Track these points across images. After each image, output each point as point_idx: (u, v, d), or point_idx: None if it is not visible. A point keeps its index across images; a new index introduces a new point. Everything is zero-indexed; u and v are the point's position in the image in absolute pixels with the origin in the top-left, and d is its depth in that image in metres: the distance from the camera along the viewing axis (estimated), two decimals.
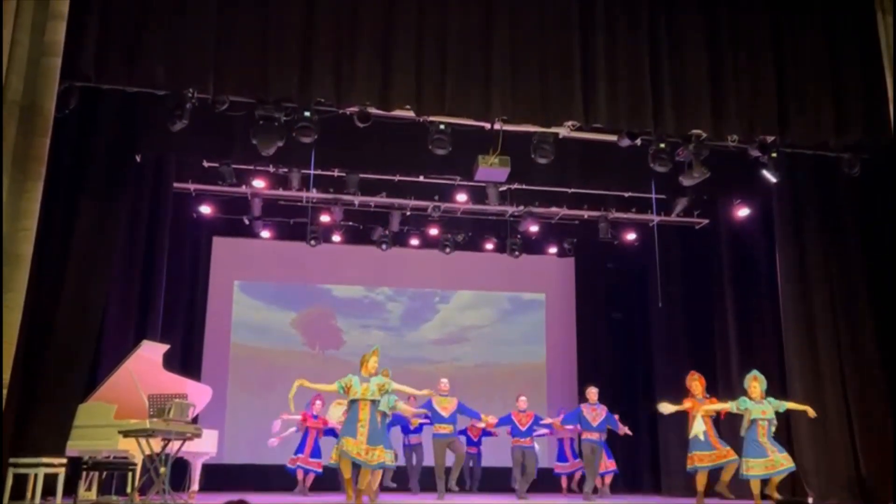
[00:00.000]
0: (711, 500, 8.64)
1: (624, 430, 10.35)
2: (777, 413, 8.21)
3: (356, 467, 7.41)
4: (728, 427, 8.92)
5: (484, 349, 13.53)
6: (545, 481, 11.31)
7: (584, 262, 13.92)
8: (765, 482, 8.14)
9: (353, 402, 7.49)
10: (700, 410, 8.49)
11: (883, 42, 8.40)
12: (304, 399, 10.17)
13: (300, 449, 10.20)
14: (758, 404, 8.17)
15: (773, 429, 8.16)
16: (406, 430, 10.49)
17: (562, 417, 10.14)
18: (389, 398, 8.10)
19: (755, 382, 8.27)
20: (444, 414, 9.44)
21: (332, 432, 9.95)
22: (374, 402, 7.50)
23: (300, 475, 10.17)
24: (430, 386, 9.46)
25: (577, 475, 11.25)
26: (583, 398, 12.21)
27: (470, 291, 13.75)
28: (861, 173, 8.90)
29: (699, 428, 8.45)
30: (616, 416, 10.20)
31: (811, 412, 8.27)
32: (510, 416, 10.01)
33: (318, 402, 10.25)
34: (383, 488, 9.47)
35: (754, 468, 8.01)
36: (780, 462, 7.99)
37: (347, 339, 13.16)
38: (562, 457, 11.28)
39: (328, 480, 10.51)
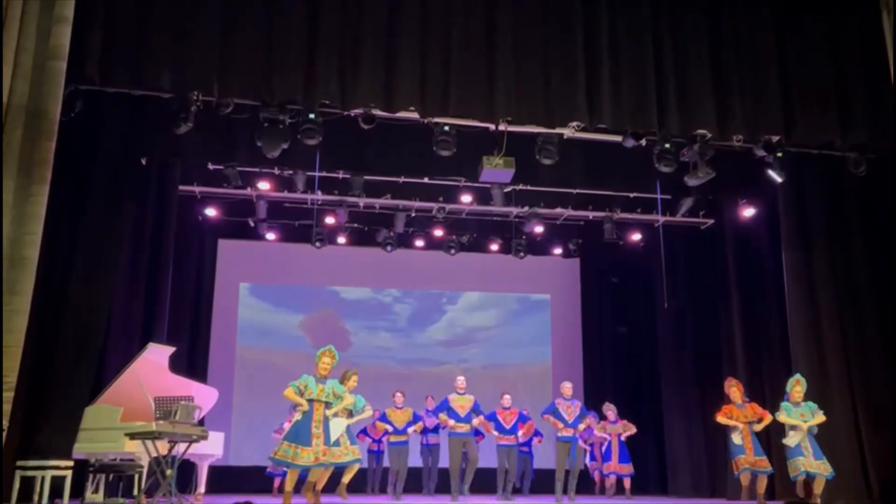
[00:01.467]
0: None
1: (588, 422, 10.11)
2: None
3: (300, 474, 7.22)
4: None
5: (491, 350, 13.53)
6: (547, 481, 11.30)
7: (589, 263, 13.90)
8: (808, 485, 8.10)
9: (308, 403, 7.19)
10: (742, 422, 8.43)
11: (888, 41, 8.37)
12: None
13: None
14: (797, 408, 8.15)
15: (815, 430, 8.14)
16: (424, 430, 10.47)
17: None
18: (359, 398, 7.98)
19: (798, 387, 8.25)
20: (461, 412, 9.36)
21: None
22: (328, 405, 7.20)
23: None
24: (443, 386, 9.49)
25: (612, 477, 11.17)
26: (587, 399, 12.21)
27: (477, 293, 13.75)
28: (867, 173, 8.87)
29: (738, 436, 8.46)
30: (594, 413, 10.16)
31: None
32: (494, 413, 9.89)
33: None
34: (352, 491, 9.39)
35: (796, 468, 7.98)
36: (814, 466, 7.96)
37: (355, 340, 13.17)
38: (593, 456, 11.28)
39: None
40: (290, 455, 6.97)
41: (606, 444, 11.11)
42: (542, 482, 11.31)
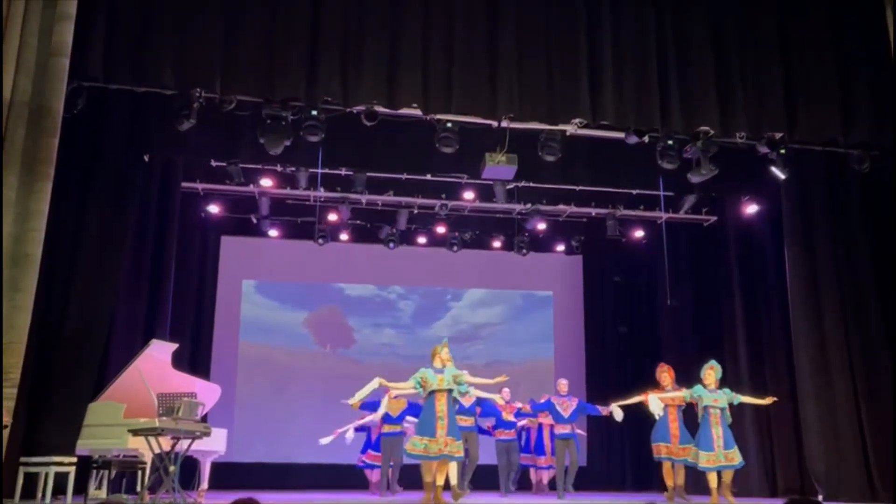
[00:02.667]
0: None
1: (607, 410, 10.06)
2: (731, 405, 8.25)
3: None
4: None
5: (494, 347, 13.53)
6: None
7: (591, 260, 13.89)
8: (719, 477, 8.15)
9: (430, 394, 7.45)
10: (652, 397, 8.53)
11: (891, 37, 8.35)
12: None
13: (372, 446, 10.07)
14: (711, 393, 8.19)
15: (729, 420, 8.20)
16: None
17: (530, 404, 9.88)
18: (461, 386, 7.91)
19: (711, 371, 8.31)
20: (465, 404, 9.36)
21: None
22: (450, 392, 7.49)
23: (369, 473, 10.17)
24: None
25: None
26: (589, 395, 12.18)
27: (481, 289, 13.76)
28: (870, 169, 8.85)
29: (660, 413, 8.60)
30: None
31: (768, 401, 8.40)
32: (496, 409, 9.86)
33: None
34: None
35: (705, 461, 8.04)
36: (723, 458, 8.00)
37: (358, 337, 13.18)
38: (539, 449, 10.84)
39: (350, 478, 10.49)
40: (419, 448, 7.24)
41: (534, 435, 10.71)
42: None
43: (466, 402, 9.23)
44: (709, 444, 8.04)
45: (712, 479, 8.09)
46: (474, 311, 13.74)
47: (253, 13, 7.61)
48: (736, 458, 8.08)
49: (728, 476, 8.18)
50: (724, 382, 8.44)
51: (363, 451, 10.06)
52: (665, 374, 8.81)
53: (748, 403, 8.55)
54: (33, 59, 6.65)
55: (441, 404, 7.39)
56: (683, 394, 8.44)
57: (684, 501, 8.51)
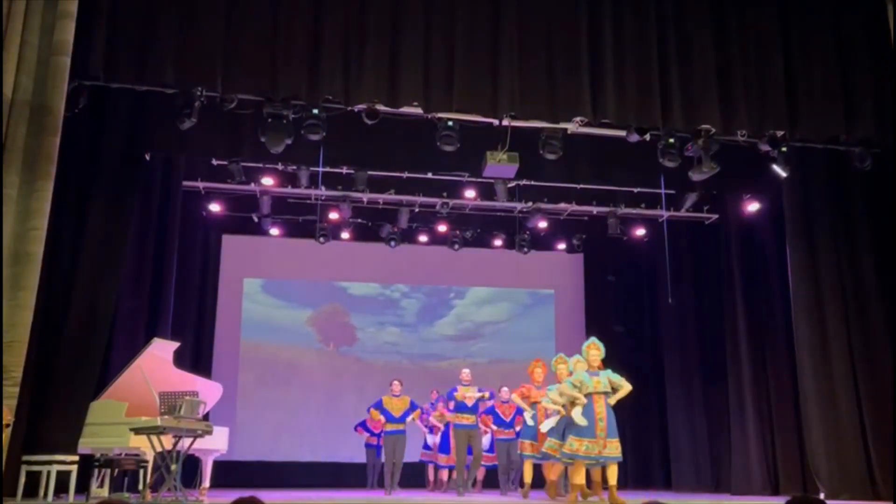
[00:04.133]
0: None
1: None
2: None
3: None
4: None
5: (496, 345, 13.55)
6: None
7: (593, 259, 13.89)
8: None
9: (587, 397, 7.55)
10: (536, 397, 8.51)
11: (893, 34, 8.33)
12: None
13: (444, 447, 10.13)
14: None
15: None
16: (430, 426, 10.44)
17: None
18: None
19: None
20: (468, 403, 9.36)
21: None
22: (607, 395, 7.60)
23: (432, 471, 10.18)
24: (450, 380, 9.51)
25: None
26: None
27: (484, 288, 13.76)
28: (872, 167, 8.84)
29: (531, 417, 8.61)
30: None
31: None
32: (493, 407, 9.82)
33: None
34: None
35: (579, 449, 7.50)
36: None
37: (361, 335, 13.19)
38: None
39: (351, 476, 10.48)
40: (579, 448, 7.43)
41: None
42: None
43: (469, 401, 9.23)
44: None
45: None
46: (477, 309, 13.75)
47: (254, 12, 7.60)
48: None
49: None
50: (724, 381, 8.39)
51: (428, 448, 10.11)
52: (538, 368, 8.94)
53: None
54: (34, 58, 6.64)
55: (600, 406, 7.54)
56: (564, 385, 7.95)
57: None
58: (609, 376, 7.81)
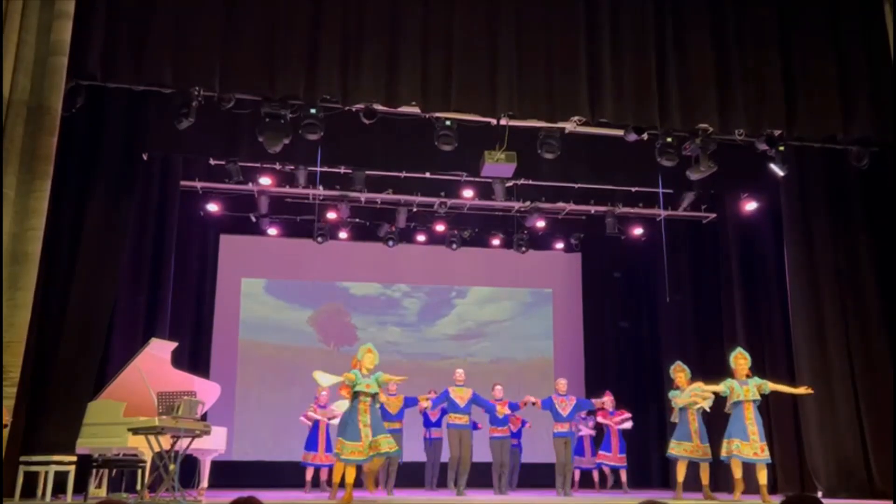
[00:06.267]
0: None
1: (601, 402, 10.22)
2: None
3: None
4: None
5: (495, 345, 13.55)
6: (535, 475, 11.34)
7: (590, 258, 13.90)
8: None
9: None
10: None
11: (890, 34, 8.35)
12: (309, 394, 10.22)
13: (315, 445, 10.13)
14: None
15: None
16: (428, 424, 10.44)
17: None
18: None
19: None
20: (460, 403, 9.37)
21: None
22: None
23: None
24: (447, 380, 9.52)
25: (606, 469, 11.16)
26: (588, 393, 12.18)
27: (485, 287, 13.77)
28: (869, 166, 8.85)
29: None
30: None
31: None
32: (492, 406, 9.85)
33: (325, 394, 10.18)
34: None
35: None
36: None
37: (363, 335, 13.18)
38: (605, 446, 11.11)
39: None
40: (681, 449, 8.06)
41: (605, 435, 11.07)
42: (530, 476, 11.30)
43: (462, 402, 9.26)
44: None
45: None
46: (479, 308, 13.76)
47: (252, 11, 7.60)
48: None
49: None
50: (722, 379, 8.39)
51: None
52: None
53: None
54: (32, 58, 6.64)
55: (749, 412, 7.84)
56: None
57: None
58: (757, 383, 8.07)
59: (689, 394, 8.38)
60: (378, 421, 7.52)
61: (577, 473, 11.09)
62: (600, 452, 11.06)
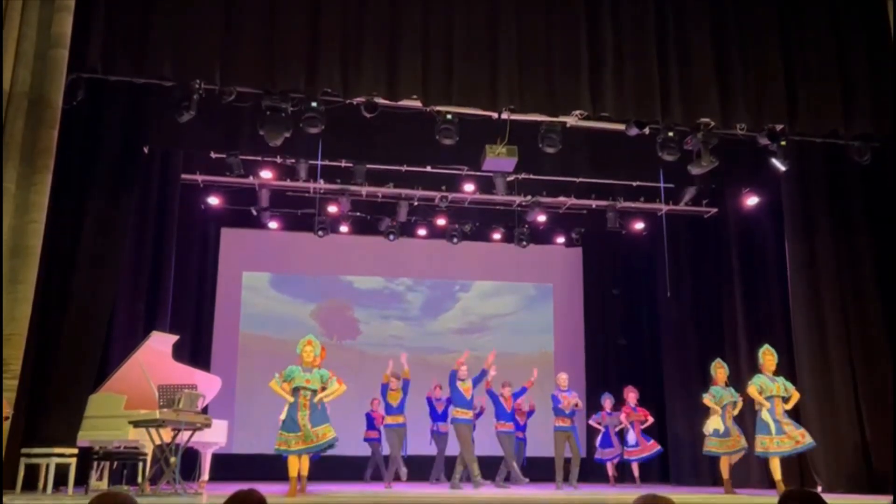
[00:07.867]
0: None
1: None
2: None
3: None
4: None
5: (495, 339, 13.54)
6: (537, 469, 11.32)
7: (591, 252, 13.89)
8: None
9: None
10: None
11: (891, 29, 8.31)
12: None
13: None
14: (772, 381, 8.13)
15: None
16: (434, 417, 10.45)
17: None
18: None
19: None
20: (467, 396, 9.37)
21: None
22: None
23: None
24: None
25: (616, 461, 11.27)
26: (588, 387, 12.20)
27: (488, 281, 13.76)
28: (871, 161, 8.84)
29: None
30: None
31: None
32: (497, 398, 9.87)
33: None
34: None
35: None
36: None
37: (366, 329, 13.19)
38: (606, 442, 11.20)
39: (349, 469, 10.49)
40: (718, 446, 8.32)
41: (628, 432, 11.07)
42: (533, 470, 11.32)
43: (467, 394, 9.25)
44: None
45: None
46: (482, 302, 13.77)
47: (253, 4, 7.58)
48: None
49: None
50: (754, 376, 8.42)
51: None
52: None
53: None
54: (32, 51, 6.62)
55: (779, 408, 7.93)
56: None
57: None
58: (784, 383, 8.18)
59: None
60: (319, 415, 7.37)
61: (611, 467, 11.12)
62: (626, 449, 11.06)
